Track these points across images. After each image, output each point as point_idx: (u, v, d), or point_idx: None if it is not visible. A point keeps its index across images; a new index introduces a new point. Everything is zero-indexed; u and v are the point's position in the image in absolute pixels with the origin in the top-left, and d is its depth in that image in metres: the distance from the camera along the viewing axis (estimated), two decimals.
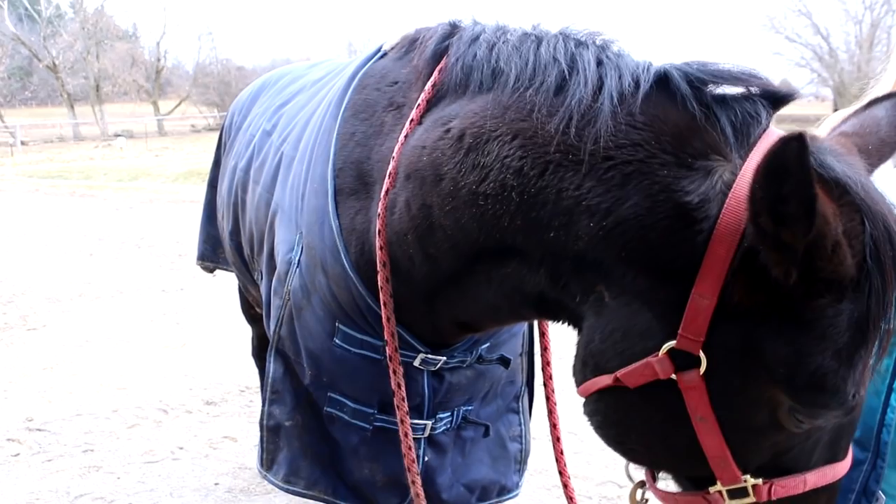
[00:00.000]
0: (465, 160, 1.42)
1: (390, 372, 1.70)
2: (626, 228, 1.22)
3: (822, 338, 1.09)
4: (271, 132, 2.32)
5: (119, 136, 41.92)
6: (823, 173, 1.08)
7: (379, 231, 1.60)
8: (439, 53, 1.61)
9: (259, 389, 4.02)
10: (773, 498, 1.21)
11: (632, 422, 1.31)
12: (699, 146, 1.21)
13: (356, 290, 1.72)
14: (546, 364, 2.04)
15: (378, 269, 1.62)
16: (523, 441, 2.20)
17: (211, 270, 3.43)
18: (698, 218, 1.15)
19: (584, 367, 1.34)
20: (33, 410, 4.68)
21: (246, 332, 3.86)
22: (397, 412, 1.73)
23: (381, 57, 1.90)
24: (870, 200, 1.09)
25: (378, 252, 1.61)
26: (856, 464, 1.47)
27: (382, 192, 1.59)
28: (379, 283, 1.63)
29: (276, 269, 1.98)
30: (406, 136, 1.57)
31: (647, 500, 1.43)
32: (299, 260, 1.83)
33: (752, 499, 1.21)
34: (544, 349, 2.04)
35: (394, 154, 1.59)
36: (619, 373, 1.24)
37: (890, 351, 1.31)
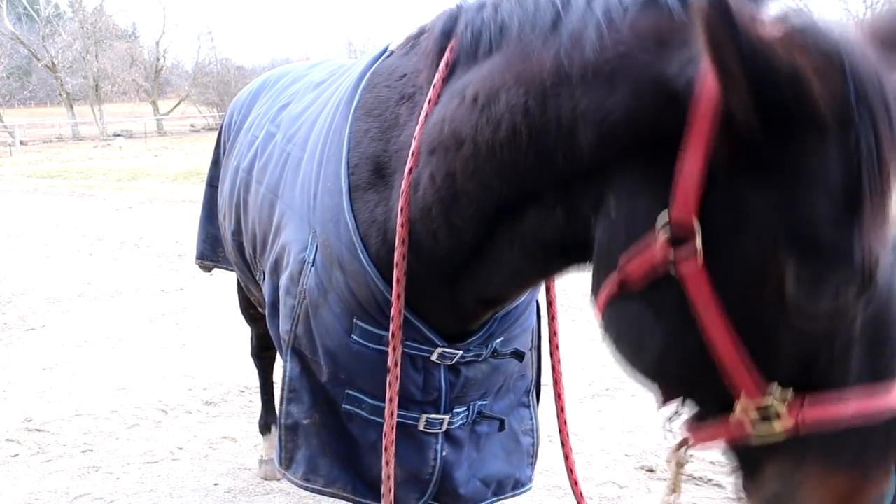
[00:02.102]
0: (481, 118, 1.46)
1: (389, 349, 1.69)
2: (616, 118, 1.25)
3: (811, 184, 1.05)
4: (275, 133, 2.33)
5: (118, 135, 42.02)
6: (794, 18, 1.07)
7: (402, 209, 1.61)
8: (448, 31, 1.63)
9: (258, 390, 4.03)
10: (809, 420, 1.09)
11: (642, 332, 1.27)
12: (680, 38, 1.22)
13: (374, 285, 1.73)
14: (553, 334, 2.04)
15: (396, 245, 1.63)
16: (534, 435, 2.22)
17: (209, 270, 3.42)
18: (679, 88, 1.16)
19: (598, 273, 1.34)
20: (32, 411, 4.68)
21: (245, 332, 3.86)
22: (387, 389, 1.71)
23: (388, 56, 1.91)
24: (847, 41, 1.05)
25: (398, 229, 1.62)
26: None
27: (406, 171, 1.61)
28: (395, 258, 1.64)
29: (278, 269, 1.98)
30: (426, 116, 1.60)
31: (691, 456, 1.33)
32: (314, 258, 1.83)
33: (782, 423, 1.10)
34: (552, 318, 2.04)
35: (415, 135, 1.61)
36: (621, 261, 1.24)
37: None
